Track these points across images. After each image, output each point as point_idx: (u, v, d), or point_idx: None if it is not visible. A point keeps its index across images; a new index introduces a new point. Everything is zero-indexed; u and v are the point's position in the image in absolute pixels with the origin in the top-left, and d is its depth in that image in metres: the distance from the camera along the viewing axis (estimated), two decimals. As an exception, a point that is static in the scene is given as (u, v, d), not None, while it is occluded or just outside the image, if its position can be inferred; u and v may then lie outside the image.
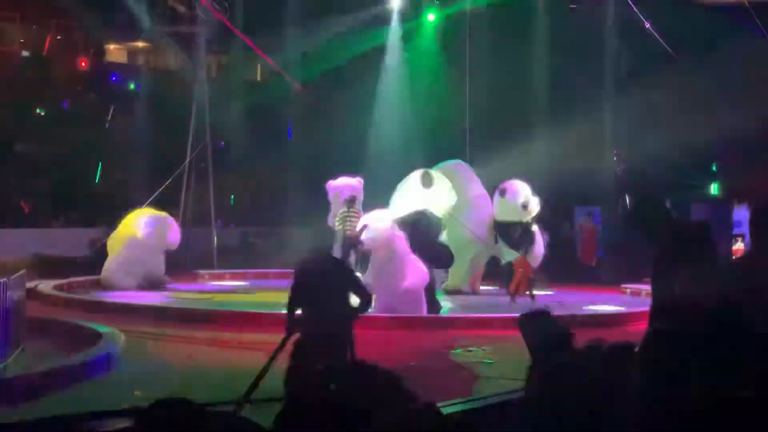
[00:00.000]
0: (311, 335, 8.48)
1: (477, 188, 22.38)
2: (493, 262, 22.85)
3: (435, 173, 18.83)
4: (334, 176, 22.38)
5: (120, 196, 28.34)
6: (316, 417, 2.72)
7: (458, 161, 22.93)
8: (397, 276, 16.59)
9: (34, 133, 31.49)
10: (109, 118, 33.75)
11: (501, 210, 22.21)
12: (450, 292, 21.48)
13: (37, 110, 32.98)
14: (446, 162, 22.61)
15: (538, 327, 4.47)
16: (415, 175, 18.35)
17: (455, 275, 21.90)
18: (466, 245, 21.41)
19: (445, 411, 4.15)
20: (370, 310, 16.01)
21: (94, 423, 6.18)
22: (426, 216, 18.24)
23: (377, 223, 16.90)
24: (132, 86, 34.52)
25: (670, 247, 6.44)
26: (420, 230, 17.63)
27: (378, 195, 22.67)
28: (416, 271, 16.91)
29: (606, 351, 3.67)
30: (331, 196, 21.74)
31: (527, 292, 20.14)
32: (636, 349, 3.21)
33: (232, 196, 33.35)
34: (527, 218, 22.05)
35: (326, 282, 8.57)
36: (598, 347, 3.67)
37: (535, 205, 21.98)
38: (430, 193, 18.21)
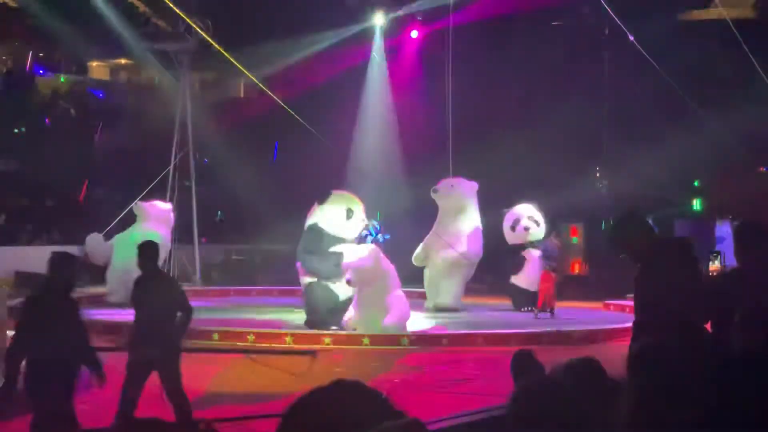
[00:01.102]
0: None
1: (474, 205, 22.48)
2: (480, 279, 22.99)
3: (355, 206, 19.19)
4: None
5: (101, 213, 28.22)
6: None
7: (460, 178, 22.92)
8: (380, 309, 16.56)
9: (15, 150, 31.38)
10: (96, 134, 33.69)
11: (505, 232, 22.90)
12: (439, 310, 21.50)
13: (18, 127, 32.89)
14: (449, 178, 22.73)
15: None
16: (339, 210, 18.73)
17: (449, 293, 21.89)
18: (456, 264, 21.59)
19: (431, 427, 4.13)
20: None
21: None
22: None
23: (358, 257, 16.80)
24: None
25: (652, 264, 6.43)
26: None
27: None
28: (399, 305, 16.91)
29: (578, 368, 3.71)
30: None
31: (549, 308, 20.63)
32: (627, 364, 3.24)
33: (219, 212, 33.27)
34: (524, 240, 22.33)
35: (152, 296, 9.15)
36: (571, 365, 3.71)
37: (525, 228, 22.30)
38: (351, 223, 18.66)
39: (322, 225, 18.34)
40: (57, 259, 8.29)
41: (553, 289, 20.88)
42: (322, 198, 18.67)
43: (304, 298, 18.49)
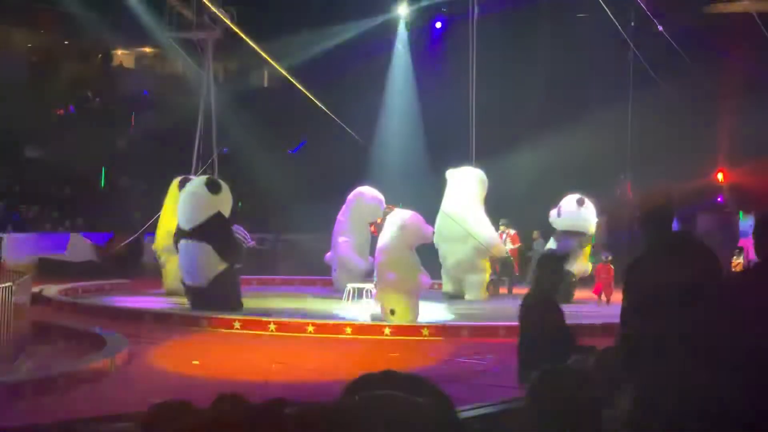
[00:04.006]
0: None
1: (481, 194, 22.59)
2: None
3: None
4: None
5: (125, 201, 28.37)
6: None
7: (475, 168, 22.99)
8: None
9: (42, 138, 31.56)
10: (123, 123, 33.84)
11: None
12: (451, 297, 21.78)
13: (45, 115, 33.05)
14: (466, 167, 22.81)
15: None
16: (228, 193, 19.04)
17: (474, 288, 22.10)
18: (480, 257, 21.80)
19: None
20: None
21: (97, 427, 6.20)
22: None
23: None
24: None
25: (655, 259, 6.25)
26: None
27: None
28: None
29: (598, 355, 3.72)
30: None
31: (607, 298, 21.02)
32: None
33: (239, 203, 33.34)
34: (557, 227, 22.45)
35: None
36: (592, 352, 3.73)
37: (563, 215, 22.39)
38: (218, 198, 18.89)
39: (224, 212, 18.70)
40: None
41: (611, 281, 21.15)
42: (214, 188, 18.76)
43: (215, 285, 18.39)
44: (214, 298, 18.17)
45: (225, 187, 19.00)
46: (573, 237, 22.02)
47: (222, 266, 18.33)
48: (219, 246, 18.38)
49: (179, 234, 18.91)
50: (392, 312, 16.70)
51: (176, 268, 20.30)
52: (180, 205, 19.21)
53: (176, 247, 19.15)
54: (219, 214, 18.60)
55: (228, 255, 18.43)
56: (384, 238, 17.01)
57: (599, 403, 3.32)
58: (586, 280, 22.53)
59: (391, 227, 16.95)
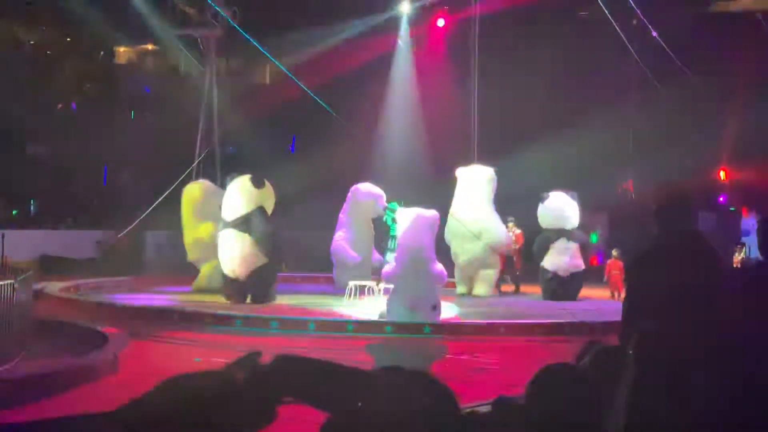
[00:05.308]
0: None
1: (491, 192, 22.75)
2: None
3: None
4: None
5: (127, 198, 28.35)
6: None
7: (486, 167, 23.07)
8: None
9: (43, 135, 31.55)
10: (132, 116, 33.86)
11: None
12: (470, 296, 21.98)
13: (47, 111, 33.04)
14: (475, 165, 22.91)
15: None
16: (271, 189, 19.68)
17: (485, 284, 22.10)
18: (491, 254, 21.88)
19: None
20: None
21: (98, 424, 6.23)
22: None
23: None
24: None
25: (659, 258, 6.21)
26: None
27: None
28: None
29: (598, 354, 3.71)
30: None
31: (619, 293, 20.95)
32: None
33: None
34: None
35: None
36: (592, 351, 3.72)
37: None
38: (262, 193, 19.54)
39: (267, 208, 19.50)
40: None
41: (621, 277, 21.08)
42: (258, 183, 19.46)
43: (254, 277, 19.09)
44: (253, 290, 19.08)
45: (268, 184, 19.66)
46: (545, 233, 22.06)
47: (263, 260, 18.97)
48: (260, 238, 18.94)
49: (223, 225, 19.41)
50: (435, 308, 16.69)
51: (209, 269, 20.66)
52: (224, 199, 19.68)
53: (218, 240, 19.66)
54: (262, 209, 19.27)
55: (269, 249, 19.08)
56: (416, 235, 16.69)
57: (599, 403, 3.32)
58: (594, 277, 22.52)
59: (417, 224, 16.76)
